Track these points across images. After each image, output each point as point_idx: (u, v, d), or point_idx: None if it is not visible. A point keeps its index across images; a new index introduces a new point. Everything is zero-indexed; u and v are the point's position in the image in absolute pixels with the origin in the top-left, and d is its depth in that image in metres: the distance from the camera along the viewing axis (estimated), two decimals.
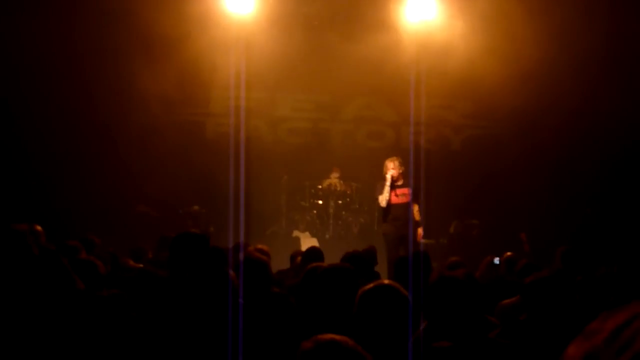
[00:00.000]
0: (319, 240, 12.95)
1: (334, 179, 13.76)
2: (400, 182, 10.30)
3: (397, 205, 10.32)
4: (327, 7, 13.11)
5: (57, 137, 12.58)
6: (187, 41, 12.48)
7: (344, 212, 13.78)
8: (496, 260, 8.73)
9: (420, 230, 10.53)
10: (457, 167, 13.47)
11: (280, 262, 8.82)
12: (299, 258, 7.33)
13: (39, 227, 7.37)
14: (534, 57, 12.36)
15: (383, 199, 10.30)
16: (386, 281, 3.32)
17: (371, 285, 3.25)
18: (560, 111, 12.79)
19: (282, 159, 14.01)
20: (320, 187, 13.83)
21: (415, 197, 10.46)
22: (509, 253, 8.31)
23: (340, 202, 13.74)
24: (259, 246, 7.34)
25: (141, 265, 5.99)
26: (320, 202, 13.79)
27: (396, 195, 10.31)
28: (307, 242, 12.39)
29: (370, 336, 3.10)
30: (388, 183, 10.22)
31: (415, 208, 10.54)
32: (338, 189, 13.73)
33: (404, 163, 10.41)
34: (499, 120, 13.78)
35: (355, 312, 3.22)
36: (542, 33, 12.50)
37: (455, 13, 12.56)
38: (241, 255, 6.33)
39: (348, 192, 13.79)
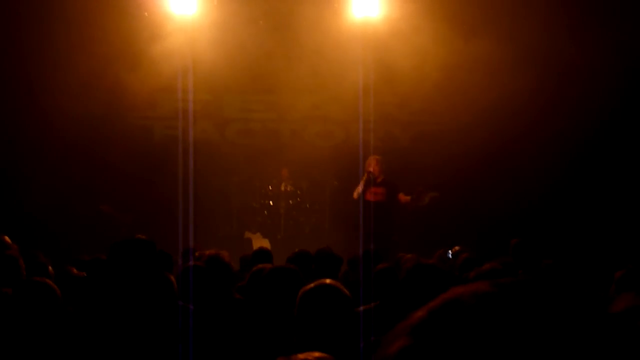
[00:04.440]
0: (270, 241, 12.91)
1: (283, 179, 13.75)
2: (378, 181, 10.65)
3: (371, 203, 10.76)
4: (272, 6, 13.07)
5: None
6: (132, 44, 12.37)
7: (295, 212, 13.77)
8: (449, 254, 8.82)
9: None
10: (406, 163, 13.51)
11: (232, 264, 8.78)
12: None
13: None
14: (482, 52, 12.46)
15: (355, 192, 10.89)
16: (327, 281, 3.30)
17: (312, 285, 3.23)
18: (508, 105, 12.90)
19: (232, 161, 13.94)
20: (270, 187, 13.80)
21: (394, 192, 10.91)
22: (457, 247, 8.41)
23: (291, 202, 13.73)
24: (208, 252, 7.28)
25: (84, 274, 5.89)
26: (271, 202, 13.76)
27: (371, 193, 10.63)
28: (259, 243, 12.32)
29: (311, 336, 3.09)
30: (364, 178, 10.81)
31: (402, 197, 11.06)
32: (288, 189, 13.73)
33: (383, 162, 10.82)
34: (446, 116, 13.87)
35: (296, 312, 3.20)
36: (490, 27, 12.64)
37: (402, 9, 12.62)
38: (191, 260, 6.30)
39: (298, 192, 13.80)
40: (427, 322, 0.91)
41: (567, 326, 0.86)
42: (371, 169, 10.89)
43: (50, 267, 6.27)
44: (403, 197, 11.14)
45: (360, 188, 10.89)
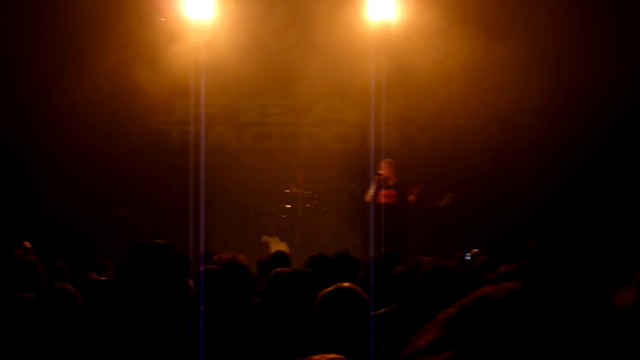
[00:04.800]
0: (288, 245, 12.92)
1: (299, 183, 13.78)
2: (390, 183, 10.76)
3: (382, 205, 10.91)
4: (288, 10, 13.09)
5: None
6: (149, 48, 12.43)
7: (312, 216, 13.78)
8: (467, 256, 8.81)
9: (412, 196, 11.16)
10: (423, 165, 13.48)
11: (249, 268, 8.80)
12: None
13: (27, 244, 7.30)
14: (500, 54, 12.41)
15: (368, 195, 11.15)
16: (345, 284, 3.30)
17: (330, 288, 3.24)
18: (526, 107, 12.84)
19: (249, 165, 13.96)
20: (287, 191, 13.82)
21: (405, 194, 10.86)
22: (475, 249, 8.39)
23: (308, 205, 13.74)
24: (225, 255, 7.31)
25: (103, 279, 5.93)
26: (289, 206, 13.77)
27: (382, 196, 10.79)
28: (277, 246, 12.34)
29: (330, 339, 3.09)
30: (375, 181, 11.04)
31: (411, 198, 11.11)
32: (305, 192, 13.74)
33: (395, 165, 10.92)
34: (463, 117, 13.81)
35: (315, 315, 3.20)
36: (508, 29, 12.59)
37: (418, 11, 12.60)
38: (210, 264, 6.32)
39: (316, 195, 13.80)
40: (459, 316, 0.96)
41: (588, 323, 0.92)
42: (381, 172, 11.00)
43: (68, 272, 6.30)
44: (411, 198, 11.20)
45: (371, 191, 11.00)
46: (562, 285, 0.98)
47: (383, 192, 11.02)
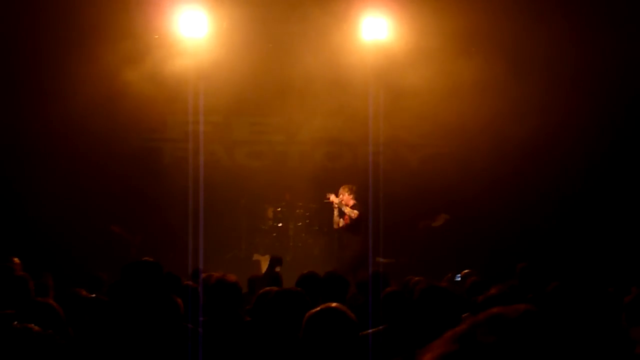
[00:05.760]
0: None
1: (288, 201, 13.80)
2: (348, 208, 11.37)
3: (343, 229, 11.51)
4: (281, 29, 13.12)
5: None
6: (142, 65, 12.43)
7: (303, 234, 13.75)
8: (457, 277, 8.80)
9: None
10: (415, 185, 13.50)
11: (240, 286, 8.77)
12: None
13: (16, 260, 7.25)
14: (492, 76, 12.47)
15: (335, 223, 11.71)
16: (333, 304, 3.29)
17: (317, 308, 3.23)
18: (517, 130, 12.89)
19: (241, 183, 13.94)
20: (279, 209, 13.80)
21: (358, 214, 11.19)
22: (466, 270, 8.38)
23: (299, 224, 13.72)
24: (215, 274, 7.28)
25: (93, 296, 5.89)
26: (280, 224, 13.75)
27: (344, 221, 11.52)
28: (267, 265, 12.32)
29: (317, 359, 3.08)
30: (334, 207, 11.56)
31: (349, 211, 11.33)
32: (297, 211, 13.73)
33: (353, 190, 11.47)
34: (455, 139, 13.84)
35: (301, 335, 3.19)
36: (501, 51, 12.67)
37: (411, 32, 12.65)
38: (200, 281, 6.30)
39: (307, 214, 13.78)
40: (472, 332, 1.00)
41: (592, 341, 0.96)
42: (331, 198, 11.29)
43: (51, 288, 6.26)
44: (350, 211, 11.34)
45: (336, 217, 11.37)
46: (569, 306, 1.04)
47: (344, 217, 11.30)
